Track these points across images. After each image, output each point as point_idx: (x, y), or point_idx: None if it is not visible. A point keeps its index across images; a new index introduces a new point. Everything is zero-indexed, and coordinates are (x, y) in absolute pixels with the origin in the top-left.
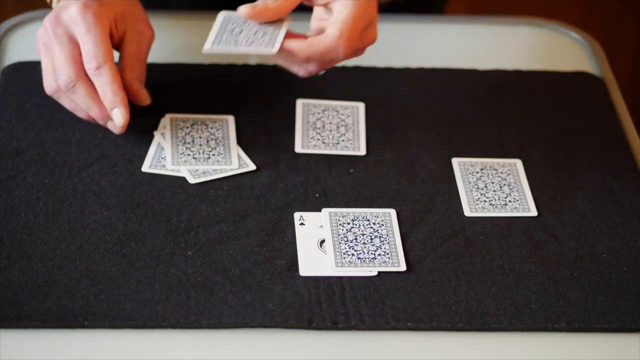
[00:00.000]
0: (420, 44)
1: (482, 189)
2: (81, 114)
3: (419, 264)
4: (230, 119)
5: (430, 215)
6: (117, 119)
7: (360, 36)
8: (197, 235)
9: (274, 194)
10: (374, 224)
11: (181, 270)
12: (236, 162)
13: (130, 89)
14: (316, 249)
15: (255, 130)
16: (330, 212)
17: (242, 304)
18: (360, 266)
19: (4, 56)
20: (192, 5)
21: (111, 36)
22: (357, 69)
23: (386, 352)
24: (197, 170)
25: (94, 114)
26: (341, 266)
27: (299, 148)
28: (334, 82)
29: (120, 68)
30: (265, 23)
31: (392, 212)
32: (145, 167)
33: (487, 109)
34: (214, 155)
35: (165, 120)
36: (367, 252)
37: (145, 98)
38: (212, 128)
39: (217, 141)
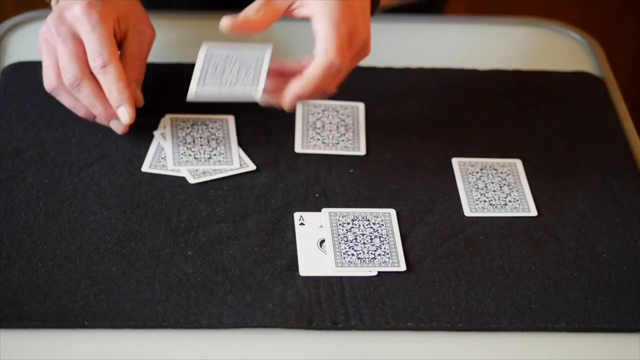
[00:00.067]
0: (420, 44)
1: (482, 189)
2: (81, 112)
3: (419, 264)
4: (231, 119)
5: (430, 215)
6: (123, 116)
7: (350, 40)
8: (197, 235)
9: (274, 194)
10: (373, 224)
11: (181, 270)
12: (237, 161)
13: None
14: (316, 249)
15: (255, 130)
16: (330, 212)
17: (242, 304)
18: (360, 266)
19: (4, 56)
20: (192, 5)
21: (114, 35)
22: (357, 69)
23: (386, 352)
24: (197, 170)
25: (98, 112)
26: (341, 266)
27: (298, 148)
28: None
29: None
30: (247, 54)
31: (392, 212)
32: (145, 167)
33: (487, 109)
34: (215, 155)
35: (165, 120)
36: (367, 252)
37: (139, 100)
38: (212, 128)
39: (218, 141)
